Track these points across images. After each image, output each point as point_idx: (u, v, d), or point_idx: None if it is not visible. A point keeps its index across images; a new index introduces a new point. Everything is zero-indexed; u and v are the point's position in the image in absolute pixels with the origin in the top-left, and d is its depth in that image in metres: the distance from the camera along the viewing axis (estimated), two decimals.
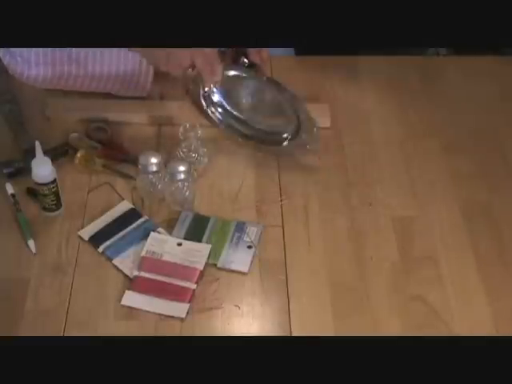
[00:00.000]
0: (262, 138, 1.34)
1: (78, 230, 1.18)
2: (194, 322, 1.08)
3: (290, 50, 1.56)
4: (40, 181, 1.16)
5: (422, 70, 1.51)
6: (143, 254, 1.15)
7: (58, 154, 1.27)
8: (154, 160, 1.21)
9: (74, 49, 1.30)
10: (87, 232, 1.18)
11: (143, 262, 1.14)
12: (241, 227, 1.19)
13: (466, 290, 1.14)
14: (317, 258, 1.17)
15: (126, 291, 1.11)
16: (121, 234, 1.18)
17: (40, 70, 1.30)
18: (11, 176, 1.25)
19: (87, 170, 1.27)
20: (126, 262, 1.14)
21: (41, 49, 1.29)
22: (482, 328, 1.09)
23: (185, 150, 1.27)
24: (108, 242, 1.17)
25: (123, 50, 1.32)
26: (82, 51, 1.30)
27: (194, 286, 1.11)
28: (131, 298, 1.10)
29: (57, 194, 1.18)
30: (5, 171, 1.25)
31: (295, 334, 1.07)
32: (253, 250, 1.17)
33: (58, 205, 1.20)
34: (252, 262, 1.15)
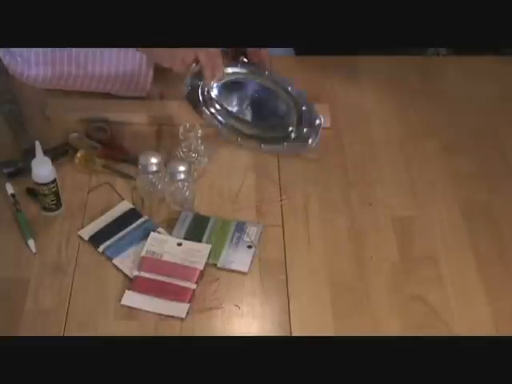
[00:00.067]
0: (263, 137, 1.34)
1: (78, 230, 1.19)
2: (194, 322, 1.08)
3: (290, 50, 1.56)
4: (40, 181, 1.16)
5: (421, 69, 1.51)
6: (143, 253, 1.15)
7: (58, 153, 1.27)
8: (153, 160, 1.21)
9: (73, 49, 1.30)
10: (87, 232, 1.18)
11: (143, 262, 1.14)
12: (241, 227, 1.19)
13: (466, 290, 1.14)
14: (317, 258, 1.17)
15: (126, 291, 1.11)
16: (121, 233, 1.18)
17: (40, 69, 1.30)
18: (11, 176, 1.25)
19: (87, 169, 1.27)
20: (125, 261, 1.14)
21: (41, 49, 1.29)
22: (482, 328, 1.09)
23: (185, 149, 1.27)
24: (108, 242, 1.17)
25: (123, 50, 1.32)
26: (82, 51, 1.30)
27: (193, 286, 1.11)
28: (131, 298, 1.10)
29: (57, 194, 1.18)
30: (5, 171, 1.25)
31: (295, 333, 1.07)
32: (253, 249, 1.17)
33: (58, 205, 1.20)
34: (252, 261, 1.15)
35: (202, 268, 1.13)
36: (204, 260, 1.14)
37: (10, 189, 1.22)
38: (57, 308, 1.09)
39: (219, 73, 1.31)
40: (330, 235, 1.20)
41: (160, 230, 1.18)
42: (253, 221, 1.21)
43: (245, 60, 1.41)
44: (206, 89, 1.36)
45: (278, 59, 1.49)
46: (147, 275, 1.12)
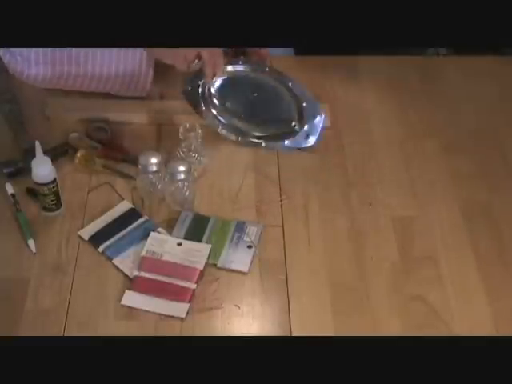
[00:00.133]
0: (263, 134, 1.34)
1: (78, 230, 1.18)
2: (194, 322, 1.08)
3: (290, 50, 1.56)
4: (40, 181, 1.16)
5: (421, 70, 1.51)
6: (143, 253, 1.15)
7: (58, 153, 1.27)
8: (154, 160, 1.21)
9: (73, 48, 1.30)
10: (87, 232, 1.18)
11: (143, 262, 1.14)
12: (241, 227, 1.19)
13: (466, 289, 1.14)
14: (317, 258, 1.17)
15: (126, 291, 1.11)
16: (121, 233, 1.18)
17: (40, 69, 1.30)
18: (11, 176, 1.25)
19: (87, 169, 1.27)
20: (125, 261, 1.14)
21: (41, 48, 1.29)
22: (482, 328, 1.09)
23: (185, 149, 1.27)
24: (108, 242, 1.17)
25: (123, 50, 1.32)
26: (82, 51, 1.30)
27: (193, 286, 1.11)
28: (131, 298, 1.10)
29: (57, 194, 1.18)
30: (5, 171, 1.25)
31: (295, 333, 1.07)
32: (253, 249, 1.17)
33: (58, 205, 1.20)
34: (252, 261, 1.15)
35: (201, 268, 1.13)
36: (204, 260, 1.14)
37: (10, 189, 1.22)
38: (57, 308, 1.09)
39: (220, 71, 1.32)
40: (329, 235, 1.20)
41: (160, 229, 1.18)
42: (253, 221, 1.21)
43: (244, 59, 1.42)
44: (206, 87, 1.37)
45: (278, 59, 1.49)
46: (147, 275, 1.12)
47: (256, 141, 1.34)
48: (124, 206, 1.22)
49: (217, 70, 1.31)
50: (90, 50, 1.31)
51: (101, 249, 1.16)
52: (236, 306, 1.10)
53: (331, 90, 1.45)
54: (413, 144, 1.36)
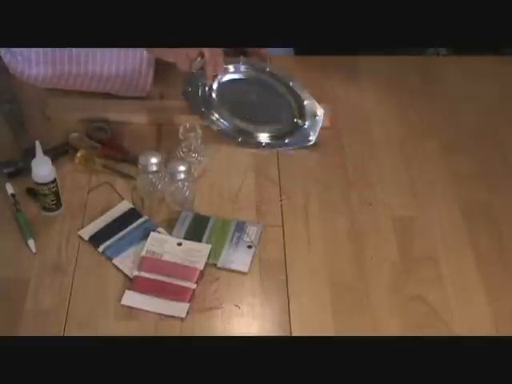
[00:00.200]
0: (263, 134, 1.34)
1: (78, 230, 1.18)
2: (194, 322, 1.08)
3: (290, 50, 1.57)
4: (40, 181, 1.16)
5: (421, 70, 1.51)
6: (143, 253, 1.15)
7: (58, 153, 1.27)
8: (154, 160, 1.21)
9: (74, 48, 1.30)
10: (87, 232, 1.18)
11: (143, 262, 1.14)
12: (241, 227, 1.19)
13: (466, 289, 1.14)
14: (317, 258, 1.17)
15: (126, 291, 1.11)
16: (121, 233, 1.18)
17: (40, 69, 1.30)
18: (11, 176, 1.25)
19: (87, 169, 1.27)
20: (125, 261, 1.14)
21: (41, 48, 1.29)
22: (481, 328, 1.09)
23: (185, 149, 1.27)
24: (108, 242, 1.17)
25: (123, 50, 1.32)
26: (83, 51, 1.30)
27: (193, 286, 1.11)
28: (131, 298, 1.10)
29: (57, 194, 1.18)
30: (5, 171, 1.25)
31: (295, 333, 1.07)
32: (253, 249, 1.17)
33: (58, 205, 1.20)
34: (252, 261, 1.15)
35: (202, 268, 1.13)
36: (204, 260, 1.14)
37: (10, 189, 1.22)
38: (57, 308, 1.09)
39: (221, 70, 1.33)
40: (329, 235, 1.20)
41: (160, 229, 1.18)
42: (253, 221, 1.21)
43: (244, 59, 1.42)
44: (206, 88, 1.37)
45: (278, 59, 1.49)
46: (147, 275, 1.12)
47: (256, 141, 1.34)
48: (124, 206, 1.22)
49: (218, 70, 1.32)
50: (91, 50, 1.31)
51: (101, 249, 1.16)
52: (236, 305, 1.10)
53: (331, 90, 1.45)
54: (413, 144, 1.36)
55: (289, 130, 1.35)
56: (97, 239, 1.17)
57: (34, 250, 1.15)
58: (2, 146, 1.30)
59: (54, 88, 1.36)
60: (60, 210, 1.20)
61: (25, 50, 1.29)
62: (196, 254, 1.15)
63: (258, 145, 1.33)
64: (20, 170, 1.24)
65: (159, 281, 1.12)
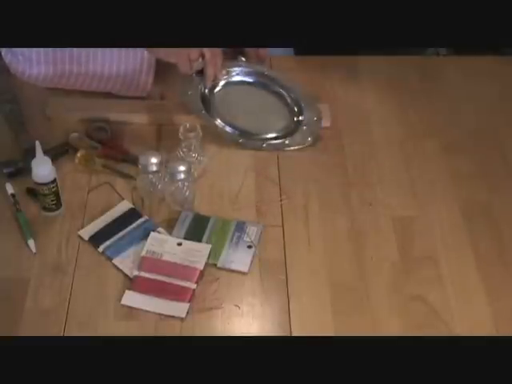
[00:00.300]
0: (263, 135, 1.34)
1: (78, 230, 1.18)
2: (194, 322, 1.08)
3: (290, 50, 1.57)
4: (40, 181, 1.16)
5: (421, 69, 1.51)
6: (143, 253, 1.15)
7: (58, 153, 1.28)
8: (154, 160, 1.21)
9: (75, 48, 1.30)
10: (87, 232, 1.18)
11: (143, 262, 1.14)
12: (241, 227, 1.19)
13: (466, 289, 1.14)
14: (317, 258, 1.17)
15: (126, 291, 1.11)
16: (121, 233, 1.18)
17: (41, 68, 1.30)
18: (11, 176, 1.25)
19: (87, 169, 1.27)
20: (125, 261, 1.14)
21: (42, 48, 1.29)
22: (481, 328, 1.09)
23: (185, 149, 1.27)
24: (108, 242, 1.17)
25: (124, 50, 1.32)
26: (83, 51, 1.30)
27: (193, 286, 1.11)
28: (131, 298, 1.10)
29: (57, 194, 1.18)
30: (5, 171, 1.25)
31: (295, 333, 1.07)
32: (253, 249, 1.17)
33: (58, 205, 1.20)
34: (252, 261, 1.15)
35: (202, 268, 1.13)
36: (204, 260, 1.14)
37: (10, 189, 1.22)
38: (57, 308, 1.09)
39: (220, 72, 1.33)
40: (329, 235, 1.20)
41: (160, 229, 1.18)
42: (253, 221, 1.21)
43: (243, 59, 1.42)
44: (206, 89, 1.37)
45: (278, 59, 1.49)
46: (147, 275, 1.12)
47: (256, 141, 1.34)
48: (124, 206, 1.22)
49: (218, 71, 1.32)
50: (91, 50, 1.31)
51: (101, 249, 1.16)
52: (236, 305, 1.10)
53: (331, 89, 1.45)
54: (413, 144, 1.36)
55: (289, 130, 1.35)
56: (97, 239, 1.17)
57: (34, 250, 1.15)
58: (2, 146, 1.30)
59: (54, 87, 1.36)
60: (60, 209, 1.20)
61: (26, 49, 1.29)
62: (196, 254, 1.15)
63: (258, 145, 1.33)
64: (20, 169, 1.24)
65: (159, 281, 1.12)
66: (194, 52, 1.27)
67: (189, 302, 1.09)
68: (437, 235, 1.21)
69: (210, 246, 1.16)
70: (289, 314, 1.09)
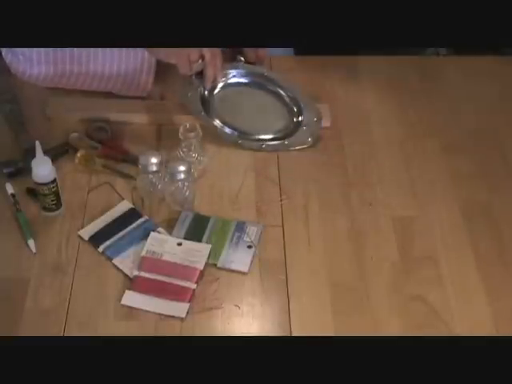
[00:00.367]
0: (263, 136, 1.34)
1: (78, 230, 1.19)
2: (194, 322, 1.08)
3: (290, 50, 1.57)
4: (40, 181, 1.16)
5: (421, 69, 1.51)
6: (143, 253, 1.15)
7: (58, 153, 1.28)
8: (154, 160, 1.21)
9: (75, 48, 1.30)
10: (87, 232, 1.18)
11: (143, 262, 1.14)
12: (241, 227, 1.19)
13: (466, 289, 1.14)
14: (317, 258, 1.17)
15: (126, 291, 1.11)
16: (121, 233, 1.18)
17: (42, 68, 1.30)
18: (11, 176, 1.25)
19: (87, 169, 1.27)
20: (125, 261, 1.14)
21: (43, 48, 1.29)
22: (481, 328, 1.09)
23: (185, 149, 1.27)
24: (108, 242, 1.17)
25: (124, 50, 1.32)
26: (84, 50, 1.30)
27: (194, 286, 1.11)
28: (131, 298, 1.10)
29: (57, 194, 1.18)
30: (5, 171, 1.25)
31: (295, 333, 1.07)
32: (253, 249, 1.17)
33: (58, 205, 1.20)
34: (252, 261, 1.15)
35: (202, 268, 1.13)
36: (204, 260, 1.14)
37: (10, 189, 1.22)
38: (57, 308, 1.09)
39: (220, 73, 1.33)
40: (329, 235, 1.20)
41: (160, 229, 1.18)
42: (253, 221, 1.21)
43: (242, 59, 1.42)
44: (205, 91, 1.37)
45: (278, 59, 1.49)
46: (147, 275, 1.12)
47: (256, 142, 1.34)
48: (124, 206, 1.22)
49: (217, 72, 1.32)
50: (92, 50, 1.31)
51: (101, 249, 1.16)
52: (236, 305, 1.10)
53: (331, 90, 1.45)
54: (413, 144, 1.36)
55: (289, 130, 1.35)
56: (97, 239, 1.17)
57: (34, 250, 1.15)
58: (2, 146, 1.30)
59: (55, 87, 1.36)
60: (60, 209, 1.20)
61: (26, 49, 1.29)
62: (196, 253, 1.15)
63: (258, 146, 1.33)
64: (20, 169, 1.24)
65: (159, 281, 1.12)
66: (193, 53, 1.27)
67: (189, 302, 1.09)
68: (437, 235, 1.21)
69: (209, 246, 1.16)
70: (289, 314, 1.09)
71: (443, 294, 1.13)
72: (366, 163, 1.32)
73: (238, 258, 1.15)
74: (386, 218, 1.23)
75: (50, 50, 1.29)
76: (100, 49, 1.31)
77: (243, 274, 1.14)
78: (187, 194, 1.21)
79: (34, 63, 1.30)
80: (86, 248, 1.17)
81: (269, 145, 1.33)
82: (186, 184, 1.20)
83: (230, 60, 1.42)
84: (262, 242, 1.18)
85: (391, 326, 1.09)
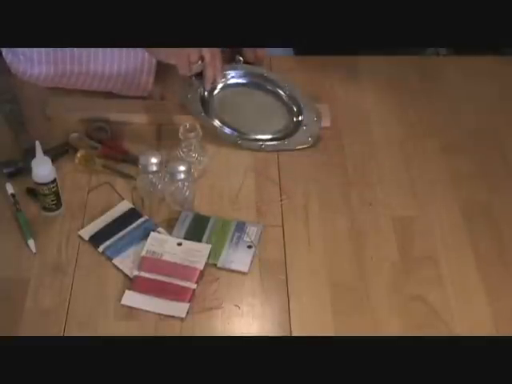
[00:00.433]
0: (263, 136, 1.34)
1: (78, 230, 1.19)
2: (194, 322, 1.08)
3: (290, 50, 1.57)
4: (40, 181, 1.16)
5: (421, 69, 1.51)
6: (143, 253, 1.15)
7: (58, 153, 1.28)
8: (154, 160, 1.21)
9: (75, 48, 1.30)
10: (87, 232, 1.18)
11: (143, 262, 1.14)
12: (241, 227, 1.19)
13: (466, 289, 1.14)
14: (317, 258, 1.17)
15: (126, 291, 1.11)
16: (121, 233, 1.18)
17: (42, 68, 1.30)
18: (11, 176, 1.25)
19: (87, 169, 1.27)
20: (126, 261, 1.15)
21: (43, 48, 1.29)
22: (482, 328, 1.09)
23: (185, 149, 1.27)
24: (108, 242, 1.17)
25: (125, 50, 1.32)
26: (84, 50, 1.30)
27: (194, 286, 1.11)
28: (131, 298, 1.10)
29: (57, 194, 1.18)
30: (5, 171, 1.25)
31: (295, 333, 1.07)
32: (253, 249, 1.17)
33: (58, 205, 1.20)
34: (252, 261, 1.15)
35: (202, 268, 1.13)
36: (204, 260, 1.14)
37: (10, 189, 1.22)
38: (57, 308, 1.09)
39: (220, 74, 1.33)
40: (329, 235, 1.20)
41: (160, 229, 1.18)
42: (253, 221, 1.21)
43: (240, 59, 1.43)
44: (205, 91, 1.37)
45: (278, 59, 1.49)
46: (147, 275, 1.12)
47: (256, 142, 1.34)
48: (124, 206, 1.22)
49: (217, 73, 1.32)
50: (92, 50, 1.31)
51: (101, 249, 1.16)
52: (236, 305, 1.10)
53: (331, 90, 1.45)
54: (413, 144, 1.36)
55: (289, 130, 1.35)
56: (97, 239, 1.17)
57: (34, 250, 1.15)
58: (2, 146, 1.30)
59: (55, 87, 1.36)
60: (60, 210, 1.20)
61: (27, 49, 1.29)
62: (196, 253, 1.15)
63: (258, 146, 1.33)
64: (20, 169, 1.24)
65: (159, 281, 1.12)
66: (193, 54, 1.27)
67: (189, 302, 1.09)
68: (437, 235, 1.21)
69: (209, 245, 1.16)
70: (289, 314, 1.09)
71: (443, 294, 1.13)
72: (366, 163, 1.32)
73: (238, 258, 1.15)
74: (386, 217, 1.23)
75: (51, 50, 1.29)
76: (100, 49, 1.31)
77: (243, 273, 1.14)
78: (187, 193, 1.21)
79: (35, 63, 1.30)
80: (86, 248, 1.17)
81: (268, 145, 1.33)
82: (186, 184, 1.20)
83: (229, 60, 1.42)
84: (261, 242, 1.18)
85: (391, 326, 1.09)
